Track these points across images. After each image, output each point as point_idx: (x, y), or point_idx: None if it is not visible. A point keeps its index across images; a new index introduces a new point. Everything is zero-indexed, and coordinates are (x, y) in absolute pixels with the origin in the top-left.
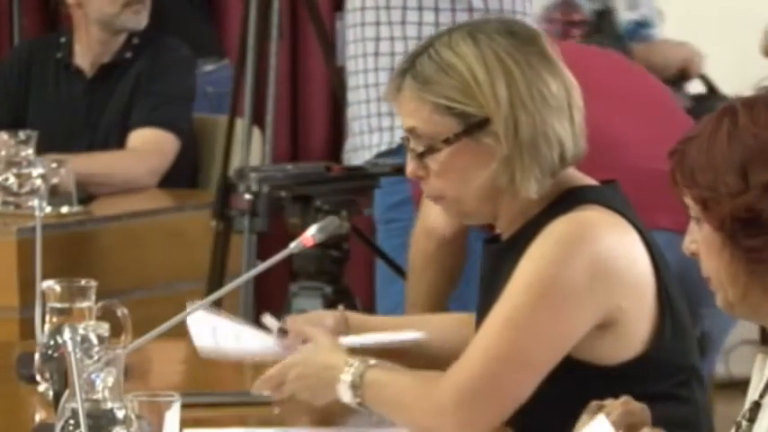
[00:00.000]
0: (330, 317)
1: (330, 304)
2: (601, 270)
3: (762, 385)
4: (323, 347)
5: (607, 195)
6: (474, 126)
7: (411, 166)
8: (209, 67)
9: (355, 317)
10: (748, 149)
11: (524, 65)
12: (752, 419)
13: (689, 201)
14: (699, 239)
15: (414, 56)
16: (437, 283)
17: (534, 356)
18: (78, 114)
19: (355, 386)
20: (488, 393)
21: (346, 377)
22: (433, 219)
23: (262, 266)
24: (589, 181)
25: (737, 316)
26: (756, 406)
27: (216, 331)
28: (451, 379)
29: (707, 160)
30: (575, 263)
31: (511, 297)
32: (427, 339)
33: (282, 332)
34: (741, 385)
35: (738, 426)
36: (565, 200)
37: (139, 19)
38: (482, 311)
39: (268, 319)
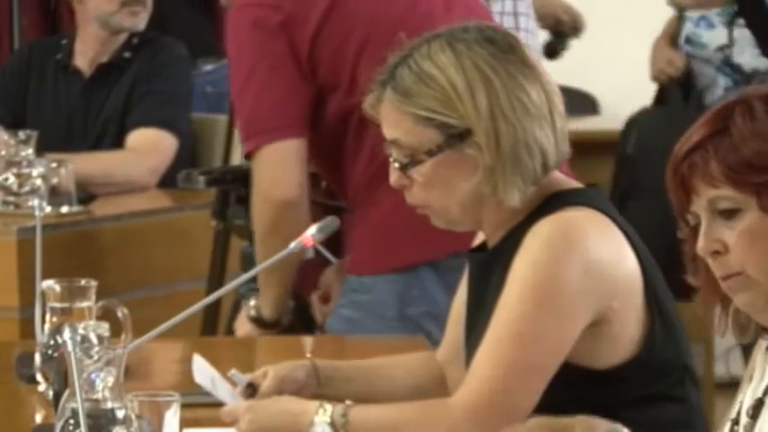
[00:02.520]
0: (301, 369)
1: None
2: (591, 267)
3: (765, 382)
4: (281, 398)
5: (590, 197)
6: (455, 137)
7: (394, 176)
8: (208, 67)
9: (325, 364)
10: None
11: (504, 74)
12: (755, 417)
13: (725, 193)
14: (734, 233)
15: (393, 67)
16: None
17: (542, 363)
18: (76, 115)
19: (336, 425)
20: (503, 407)
21: (323, 418)
22: (269, 183)
23: (261, 266)
24: (572, 184)
25: (764, 317)
26: (760, 403)
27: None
28: (464, 398)
29: (761, 145)
30: (567, 263)
31: (510, 307)
32: (398, 378)
33: (251, 388)
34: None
35: (736, 422)
36: (549, 204)
37: (137, 21)
38: (472, 322)
39: (236, 375)
